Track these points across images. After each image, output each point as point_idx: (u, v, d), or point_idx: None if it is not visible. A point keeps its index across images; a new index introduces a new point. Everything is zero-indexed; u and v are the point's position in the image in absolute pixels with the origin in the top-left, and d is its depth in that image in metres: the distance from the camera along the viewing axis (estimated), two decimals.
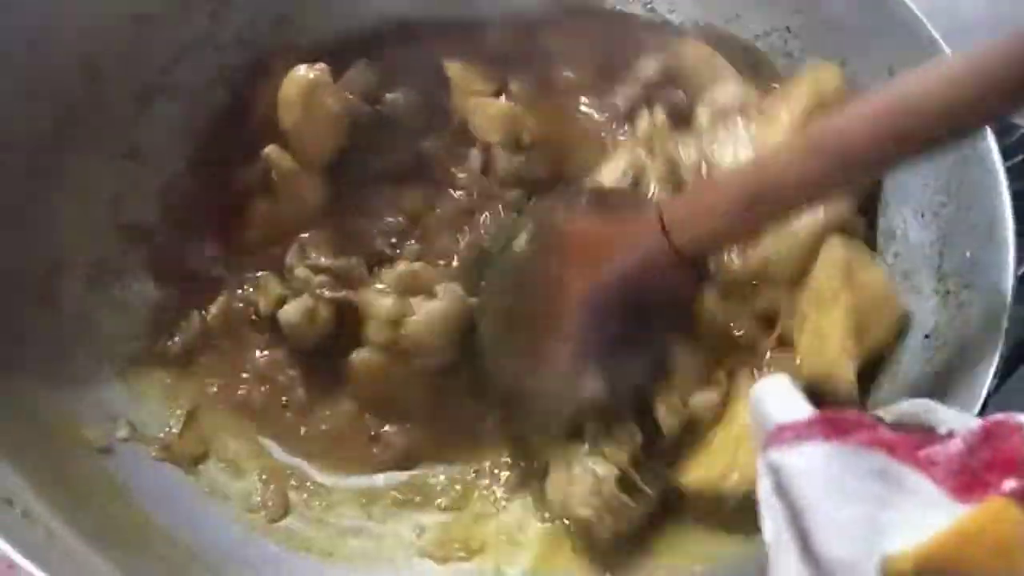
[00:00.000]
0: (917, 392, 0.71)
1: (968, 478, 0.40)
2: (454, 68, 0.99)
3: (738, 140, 0.85)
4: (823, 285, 0.76)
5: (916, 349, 0.75)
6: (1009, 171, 0.72)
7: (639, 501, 0.76)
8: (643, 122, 0.93)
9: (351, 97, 0.91)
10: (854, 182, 0.65)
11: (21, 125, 0.83)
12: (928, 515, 0.39)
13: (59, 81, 0.86)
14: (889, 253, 0.82)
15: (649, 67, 0.97)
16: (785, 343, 0.79)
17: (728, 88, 0.91)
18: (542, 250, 0.79)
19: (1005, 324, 0.67)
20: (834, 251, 0.77)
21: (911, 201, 0.81)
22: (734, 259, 0.81)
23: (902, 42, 0.81)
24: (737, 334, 0.81)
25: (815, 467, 0.42)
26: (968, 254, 0.73)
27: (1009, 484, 0.38)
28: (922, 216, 0.79)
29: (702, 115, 0.90)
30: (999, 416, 0.43)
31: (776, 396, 0.46)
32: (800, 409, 0.45)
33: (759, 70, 0.95)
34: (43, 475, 0.70)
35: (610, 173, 0.89)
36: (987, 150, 0.73)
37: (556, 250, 0.78)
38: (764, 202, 0.64)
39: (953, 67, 0.56)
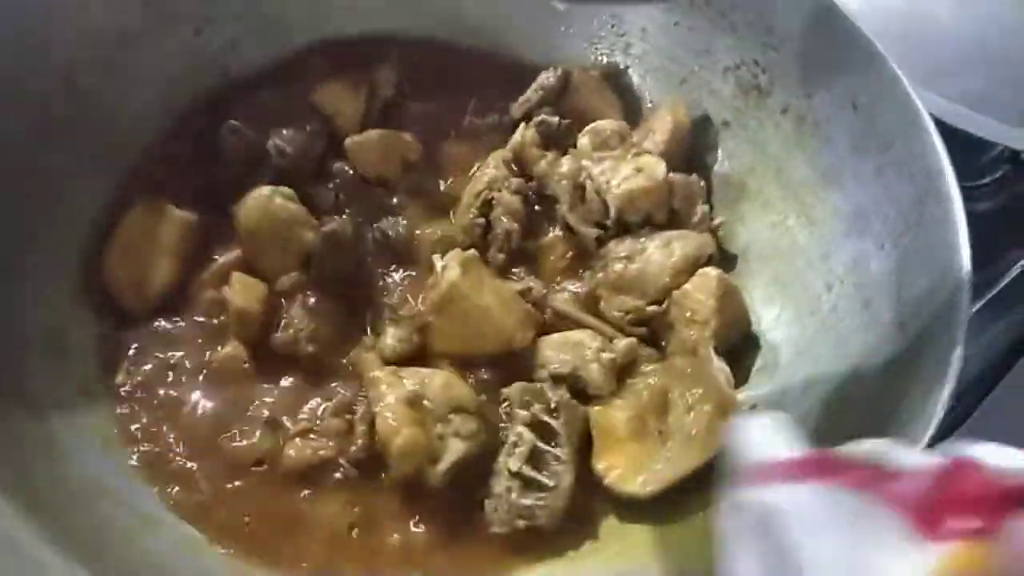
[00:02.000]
0: (871, 418, 0.74)
1: (932, 514, 0.42)
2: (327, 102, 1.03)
3: (620, 167, 0.94)
4: (696, 308, 0.87)
5: (873, 377, 0.77)
6: (987, 187, 0.74)
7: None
8: (516, 135, 1.01)
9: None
10: None
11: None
12: (901, 554, 0.41)
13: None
14: (848, 283, 0.85)
15: (550, 75, 1.04)
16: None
17: (609, 118, 1.02)
18: None
19: (957, 359, 0.69)
20: (711, 282, 0.88)
21: (872, 232, 0.83)
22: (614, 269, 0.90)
23: (865, 78, 0.84)
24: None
25: (802, 506, 0.43)
26: (925, 284, 0.76)
27: (972, 523, 0.40)
28: (882, 247, 0.82)
29: (584, 139, 1.00)
30: (960, 455, 0.45)
31: (761, 435, 0.47)
32: (785, 449, 0.46)
33: (631, 105, 1.06)
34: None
35: (473, 186, 0.98)
36: (945, 184, 0.76)
37: None
38: None
39: None
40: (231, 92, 1.03)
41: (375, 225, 0.97)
